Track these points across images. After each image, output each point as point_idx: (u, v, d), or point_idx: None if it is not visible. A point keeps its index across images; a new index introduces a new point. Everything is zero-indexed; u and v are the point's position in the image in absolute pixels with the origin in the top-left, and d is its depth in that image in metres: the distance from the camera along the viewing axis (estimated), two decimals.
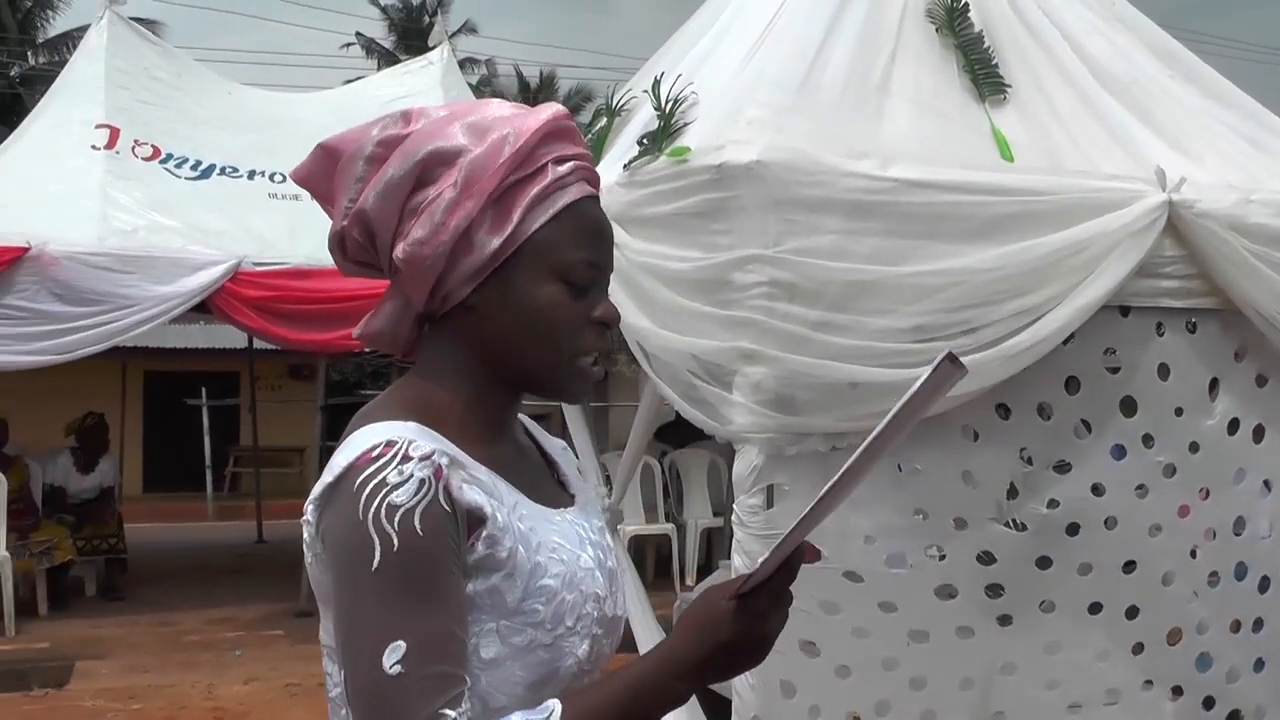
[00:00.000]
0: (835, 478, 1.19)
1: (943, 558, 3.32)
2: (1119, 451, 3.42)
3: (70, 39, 23.64)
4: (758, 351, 3.05)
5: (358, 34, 31.24)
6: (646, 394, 4.03)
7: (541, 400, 1.54)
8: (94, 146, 8.82)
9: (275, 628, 8.44)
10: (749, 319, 3.06)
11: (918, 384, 1.12)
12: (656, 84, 3.48)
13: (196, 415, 18.37)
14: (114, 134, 8.95)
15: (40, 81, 20.49)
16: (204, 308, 8.17)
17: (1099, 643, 3.43)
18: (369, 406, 1.40)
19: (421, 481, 1.25)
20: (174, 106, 9.66)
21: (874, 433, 1.15)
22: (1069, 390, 3.35)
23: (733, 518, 3.21)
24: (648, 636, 4.06)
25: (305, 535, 1.35)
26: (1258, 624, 3.60)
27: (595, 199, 1.44)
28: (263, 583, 9.69)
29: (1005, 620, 3.35)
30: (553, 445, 1.62)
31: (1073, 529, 3.36)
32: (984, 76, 3.55)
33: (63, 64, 13.87)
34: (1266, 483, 3.59)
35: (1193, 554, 3.51)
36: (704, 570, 9.62)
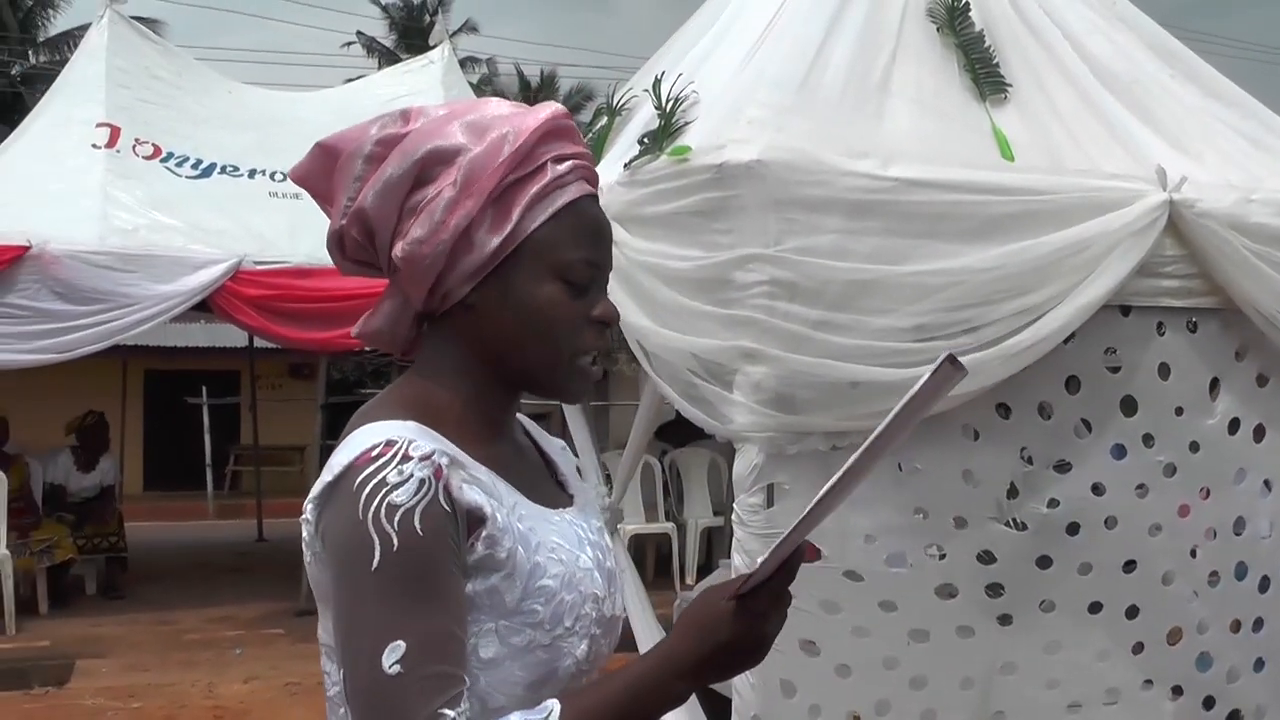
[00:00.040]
0: (835, 478, 1.19)
1: (943, 557, 3.32)
2: (1119, 451, 3.42)
3: (71, 38, 23.65)
4: (758, 350, 3.05)
5: (358, 33, 31.27)
6: (647, 393, 4.03)
7: (541, 399, 1.54)
8: (95, 145, 8.82)
9: (275, 626, 8.44)
10: (749, 318, 3.06)
11: (918, 385, 1.12)
12: (657, 83, 3.48)
13: (197, 414, 18.37)
14: (115, 133, 8.95)
15: (41, 80, 20.48)
16: (205, 306, 8.17)
17: (1099, 642, 3.43)
18: (368, 405, 1.40)
19: (421, 481, 1.25)
20: (175, 105, 9.66)
21: (874, 434, 1.15)
22: (1069, 390, 3.35)
23: (733, 517, 3.21)
24: (648, 636, 4.06)
25: (304, 534, 1.35)
26: (1258, 624, 3.60)
27: (594, 198, 1.44)
28: (263, 581, 9.69)
29: (1005, 620, 3.35)
30: (551, 445, 1.62)
31: (1073, 528, 3.36)
32: (985, 76, 3.55)
33: (63, 63, 13.86)
34: (1267, 482, 3.59)
35: (1193, 554, 3.51)
36: (704, 569, 9.61)
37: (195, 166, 9.12)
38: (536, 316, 1.38)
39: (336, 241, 1.45)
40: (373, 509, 1.23)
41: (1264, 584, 3.60)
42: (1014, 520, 3.33)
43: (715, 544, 9.90)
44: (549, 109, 1.42)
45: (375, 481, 1.25)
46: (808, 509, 1.21)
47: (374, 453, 1.27)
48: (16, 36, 26.43)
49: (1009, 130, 3.44)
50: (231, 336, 14.66)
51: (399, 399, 1.39)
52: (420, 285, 1.38)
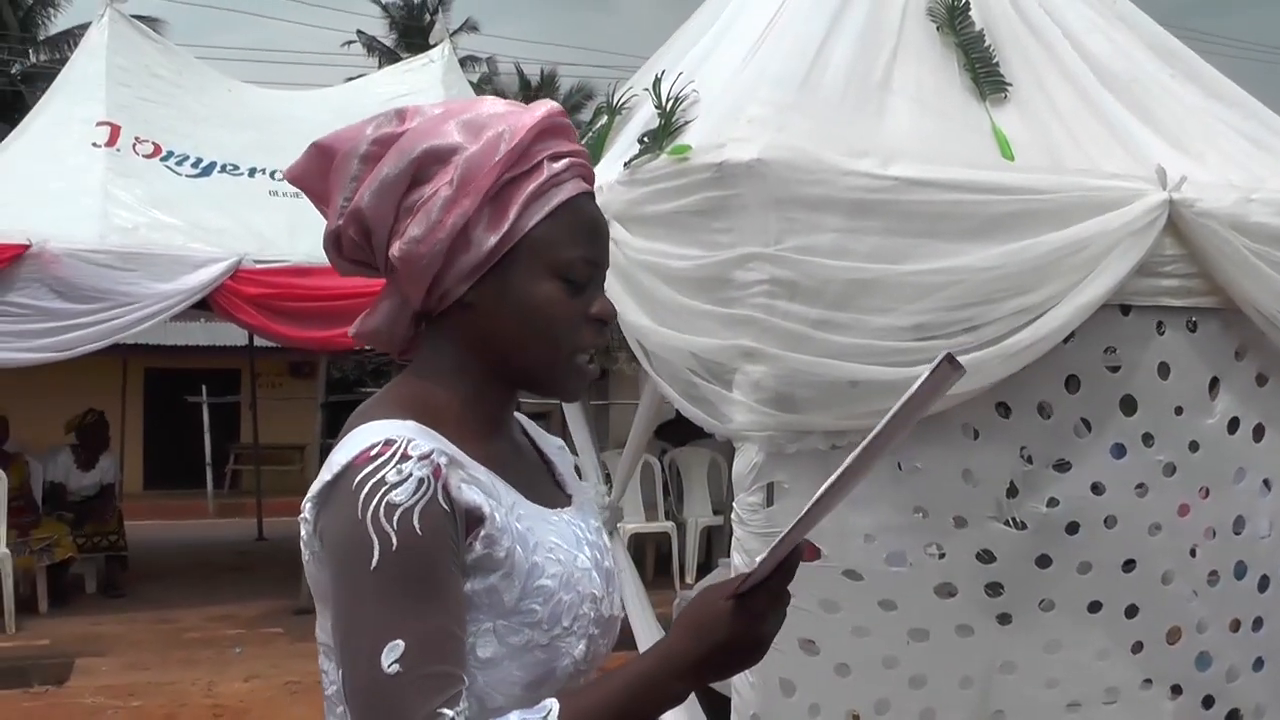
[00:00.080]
0: (833, 477, 1.19)
1: (942, 556, 3.31)
2: (1119, 450, 3.42)
3: (71, 36, 23.65)
4: (758, 350, 3.05)
5: (359, 32, 31.29)
6: (646, 392, 4.03)
7: (540, 398, 1.54)
8: (95, 144, 8.83)
9: (275, 625, 8.45)
10: (749, 317, 3.06)
11: (916, 385, 1.12)
12: (657, 82, 3.48)
13: (197, 413, 18.38)
14: (115, 131, 8.96)
15: (41, 79, 20.47)
16: (205, 305, 8.18)
17: (1098, 641, 3.43)
18: (366, 405, 1.40)
19: (420, 480, 1.25)
20: (175, 104, 9.66)
21: (873, 433, 1.15)
22: (1069, 389, 3.35)
23: (732, 516, 3.21)
24: (647, 635, 4.06)
25: (303, 533, 1.35)
26: (1257, 623, 3.60)
27: (591, 195, 1.44)
28: (263, 580, 9.70)
29: (1005, 619, 3.35)
30: (550, 445, 1.62)
31: (1072, 528, 3.36)
32: (985, 75, 3.55)
33: (64, 61, 13.86)
34: (1266, 482, 3.58)
35: (1192, 553, 3.51)
36: (704, 568, 9.62)
37: (195, 165, 9.13)
38: (535, 315, 1.38)
39: (333, 241, 1.44)
40: (372, 508, 1.23)
41: (1263, 583, 3.60)
42: (1014, 519, 3.33)
43: (715, 543, 9.90)
44: (544, 107, 1.42)
45: (374, 481, 1.25)
46: (806, 508, 1.21)
47: (373, 452, 1.27)
48: (17, 35, 26.44)
49: (1009, 129, 3.44)
50: (231, 335, 14.68)
51: (397, 398, 1.39)
52: (418, 285, 1.38)
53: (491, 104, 1.42)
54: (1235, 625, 3.57)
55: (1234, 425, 3.50)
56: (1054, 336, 3.19)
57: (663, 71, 3.56)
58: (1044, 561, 3.35)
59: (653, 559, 10.18)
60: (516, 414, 1.55)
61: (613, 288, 3.41)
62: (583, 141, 4.06)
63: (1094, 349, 3.36)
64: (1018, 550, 3.33)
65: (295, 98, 11.09)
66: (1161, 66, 3.92)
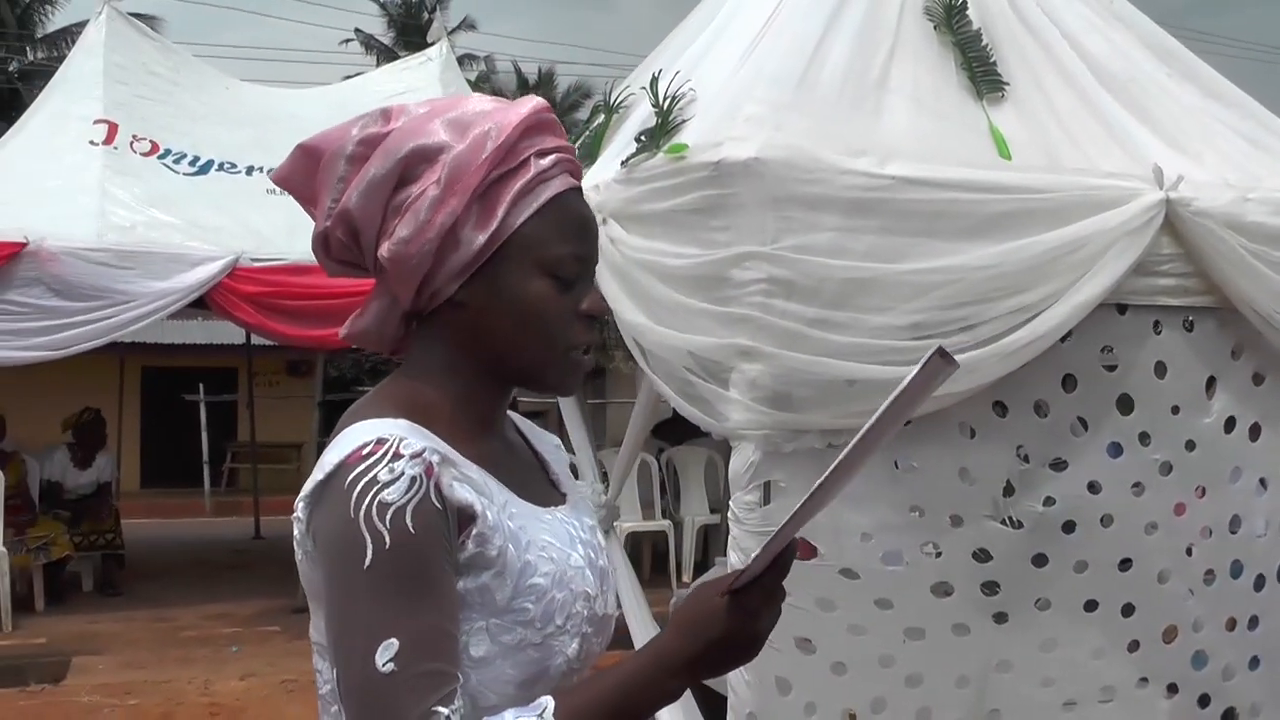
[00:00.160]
0: (826, 473, 1.19)
1: (939, 555, 3.31)
2: (1115, 449, 3.42)
3: (69, 34, 23.63)
4: (755, 348, 3.05)
5: (357, 30, 31.28)
6: (643, 391, 4.03)
7: (536, 396, 1.54)
8: (92, 142, 8.82)
9: (272, 624, 8.45)
10: (746, 316, 3.06)
11: (907, 379, 1.11)
12: (654, 81, 3.47)
13: (194, 411, 18.38)
14: (112, 129, 8.95)
15: (39, 77, 20.45)
16: (202, 303, 8.17)
17: (1094, 640, 3.43)
18: (359, 404, 1.40)
19: (413, 479, 1.25)
20: (172, 102, 9.65)
21: (864, 428, 1.15)
22: (1066, 388, 3.35)
23: (729, 514, 3.21)
24: (643, 634, 4.06)
25: (295, 533, 1.35)
26: (1253, 622, 3.60)
27: (579, 190, 1.44)
28: (260, 579, 9.69)
29: (1001, 618, 3.35)
30: (545, 444, 1.62)
31: (1069, 526, 3.36)
32: (982, 74, 3.55)
33: (61, 59, 13.87)
34: (1263, 481, 3.59)
35: (1189, 552, 3.51)
36: (700, 567, 9.62)
37: (193, 163, 9.12)
38: (526, 312, 1.38)
39: (321, 243, 1.44)
40: (364, 507, 1.23)
41: (1259, 582, 3.60)
42: (1010, 518, 3.33)
43: (712, 542, 9.90)
44: (530, 103, 1.42)
45: (366, 480, 1.25)
46: (799, 504, 1.21)
47: (365, 451, 1.27)
48: (14, 33, 26.42)
49: (1006, 129, 3.44)
50: (229, 333, 14.66)
51: (389, 397, 1.39)
52: (407, 284, 1.38)
53: (477, 101, 1.42)
54: (1231, 624, 3.58)
55: (1230, 424, 3.50)
56: (1051, 335, 3.19)
57: (660, 70, 3.56)
58: (1040, 560, 3.36)
59: (649, 558, 10.18)
60: (510, 412, 1.55)
61: (610, 286, 3.42)
62: (580, 140, 4.08)
63: (1091, 348, 3.36)
64: (1014, 549, 3.33)
65: (293, 96, 11.08)
66: (1159, 66, 3.92)
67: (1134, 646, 3.47)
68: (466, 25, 31.19)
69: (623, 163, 3.44)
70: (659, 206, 3.28)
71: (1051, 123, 3.54)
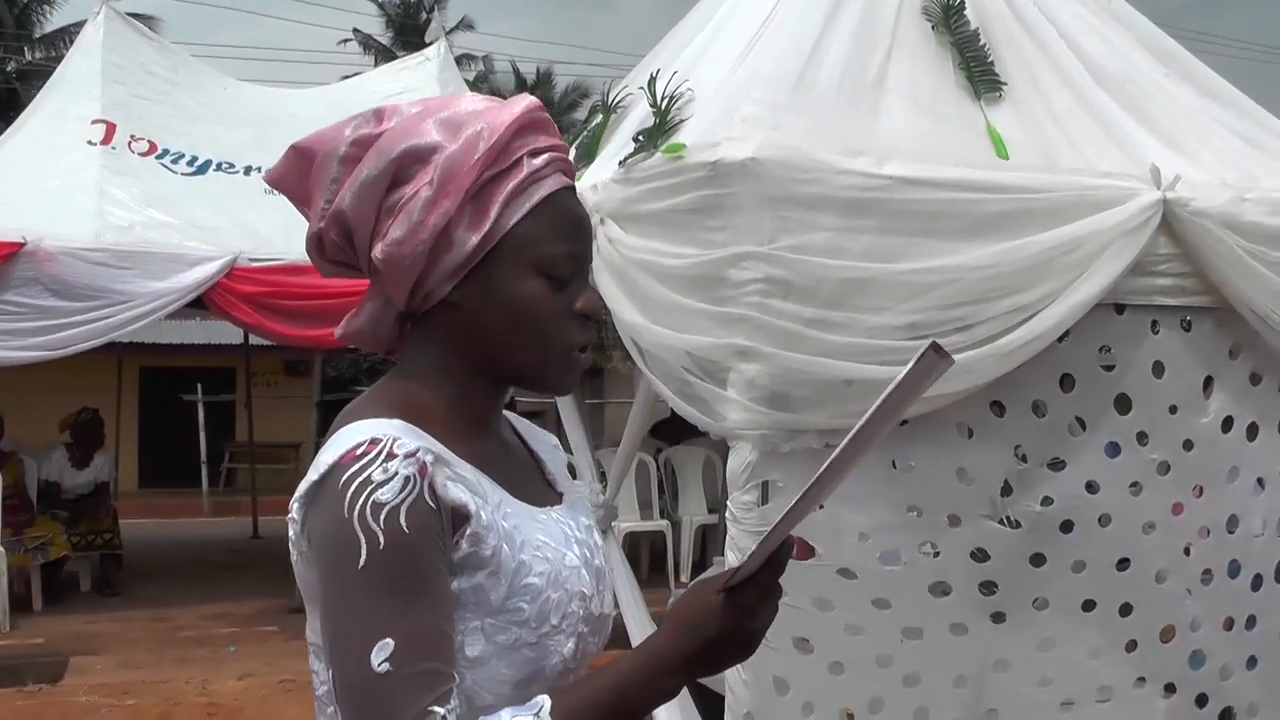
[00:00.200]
0: (820, 470, 1.19)
1: (937, 555, 3.32)
2: (1113, 449, 3.42)
3: (67, 34, 23.59)
4: (752, 348, 3.05)
5: (355, 30, 31.26)
6: (641, 391, 4.03)
7: (534, 396, 1.54)
8: (90, 142, 8.82)
9: (270, 624, 8.45)
10: (744, 316, 3.05)
11: (902, 374, 1.10)
12: (652, 81, 3.47)
13: (192, 411, 18.38)
14: (110, 129, 8.95)
15: (37, 77, 20.42)
16: (200, 303, 8.17)
17: (1092, 640, 3.43)
18: (353, 404, 1.40)
19: (406, 479, 1.25)
20: (170, 102, 9.65)
21: (858, 425, 1.15)
22: (1063, 388, 3.35)
23: (727, 514, 3.21)
24: (641, 634, 4.06)
25: (291, 533, 1.35)
26: (1250, 621, 3.61)
27: (572, 189, 1.43)
28: (258, 579, 9.69)
29: (999, 617, 3.35)
30: (542, 443, 1.62)
31: (1066, 526, 3.36)
32: (979, 74, 3.55)
33: (59, 59, 13.87)
34: (1260, 480, 3.59)
35: (1186, 552, 3.51)
36: (698, 567, 9.62)
37: (191, 163, 9.12)
38: (520, 313, 1.37)
39: (315, 244, 1.44)
40: (358, 507, 1.23)
41: (1257, 582, 3.60)
42: (1008, 518, 3.33)
43: (710, 541, 9.90)
44: (523, 102, 1.41)
45: (360, 480, 1.25)
46: (793, 502, 1.21)
47: (358, 451, 1.27)
48: (12, 32, 26.40)
49: (1004, 128, 3.44)
50: (227, 333, 14.67)
51: (384, 397, 1.39)
52: (401, 285, 1.38)
53: (470, 101, 1.42)
54: (1229, 624, 3.58)
55: (1228, 424, 3.50)
56: (1048, 335, 3.20)
57: (658, 70, 3.56)
58: (1038, 560, 3.36)
59: (648, 557, 10.18)
60: (507, 412, 1.55)
61: (607, 286, 3.42)
62: (578, 140, 4.08)
63: (1088, 348, 3.36)
64: (1012, 549, 3.33)
65: (291, 96, 11.08)
66: (1157, 66, 3.92)
67: (1132, 646, 3.47)
68: (464, 25, 31.19)
69: (620, 163, 3.44)
70: (656, 206, 3.28)
71: (1049, 123, 3.54)
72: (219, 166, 9.16)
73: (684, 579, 9.51)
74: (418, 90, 10.03)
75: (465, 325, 1.39)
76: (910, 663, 3.30)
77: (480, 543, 1.30)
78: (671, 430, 10.10)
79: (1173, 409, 3.43)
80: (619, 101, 3.93)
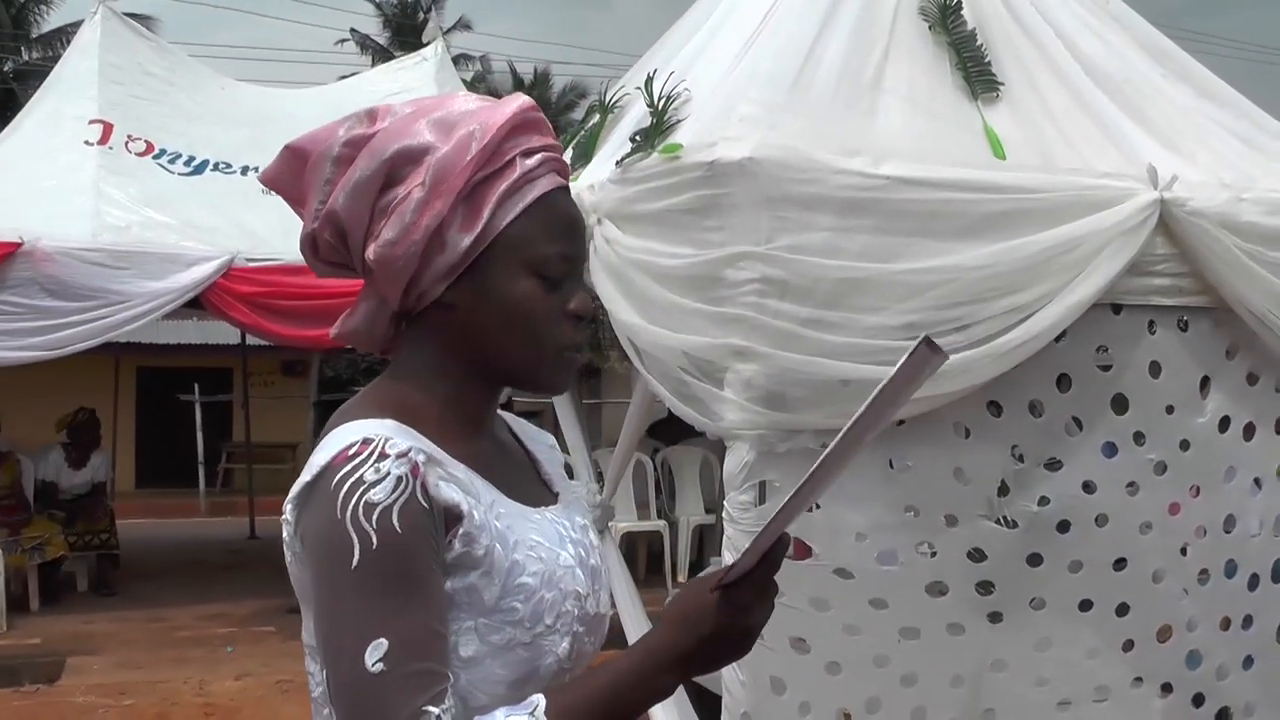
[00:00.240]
0: (813, 468, 1.19)
1: (934, 555, 3.32)
2: (1110, 449, 3.42)
3: (64, 34, 23.56)
4: (749, 348, 3.05)
5: (352, 30, 31.24)
6: (638, 391, 4.03)
7: (530, 396, 1.54)
8: (87, 142, 8.81)
9: (267, 624, 8.44)
10: (740, 316, 3.06)
11: (894, 370, 1.10)
12: (649, 81, 3.47)
13: (189, 411, 18.37)
14: (107, 129, 8.94)
15: (34, 77, 20.39)
16: (197, 304, 8.16)
17: (1089, 640, 3.43)
18: (347, 405, 1.40)
19: (398, 479, 1.25)
20: (167, 102, 9.64)
21: (850, 421, 1.15)
22: (1060, 388, 3.36)
23: (724, 514, 3.20)
24: (638, 634, 4.05)
25: (285, 534, 1.35)
26: (1247, 621, 3.61)
27: (565, 189, 1.43)
28: (255, 579, 9.68)
29: (996, 617, 3.36)
30: (538, 443, 1.61)
31: (1063, 526, 3.36)
32: (977, 74, 3.55)
33: (56, 59, 13.82)
34: (1257, 480, 3.59)
35: (1183, 551, 3.52)
36: (696, 567, 9.63)
37: (188, 163, 9.11)
38: (513, 313, 1.37)
39: (309, 244, 1.44)
40: (351, 507, 1.23)
41: (1253, 582, 3.60)
42: (1005, 518, 3.33)
43: (707, 541, 9.91)
44: (516, 102, 1.41)
45: (353, 480, 1.24)
46: (787, 499, 1.21)
47: (351, 451, 1.27)
48: (9, 32, 26.38)
49: (1001, 129, 3.45)
50: (224, 333, 14.66)
51: (377, 398, 1.39)
52: (395, 286, 1.38)
53: (463, 101, 1.41)
54: (1225, 623, 3.58)
55: (1225, 424, 3.51)
56: (1045, 335, 3.20)
57: (655, 70, 3.56)
58: (1035, 560, 3.36)
59: (645, 557, 10.18)
60: (503, 412, 1.55)
61: (604, 286, 3.42)
62: (575, 140, 4.08)
63: (1085, 348, 3.36)
64: (1009, 549, 3.33)
65: (289, 96, 11.07)
66: (1154, 66, 3.93)
67: (1128, 646, 3.47)
68: (462, 25, 31.19)
69: (617, 163, 3.44)
70: (653, 206, 3.28)
71: (1046, 123, 3.54)
72: (216, 166, 9.16)
73: (681, 579, 9.52)
74: (415, 90, 10.02)
75: (459, 325, 1.39)
76: (907, 662, 3.30)
77: (473, 543, 1.30)
78: (669, 430, 10.11)
79: (1170, 409, 3.43)
80: (616, 101, 3.93)
